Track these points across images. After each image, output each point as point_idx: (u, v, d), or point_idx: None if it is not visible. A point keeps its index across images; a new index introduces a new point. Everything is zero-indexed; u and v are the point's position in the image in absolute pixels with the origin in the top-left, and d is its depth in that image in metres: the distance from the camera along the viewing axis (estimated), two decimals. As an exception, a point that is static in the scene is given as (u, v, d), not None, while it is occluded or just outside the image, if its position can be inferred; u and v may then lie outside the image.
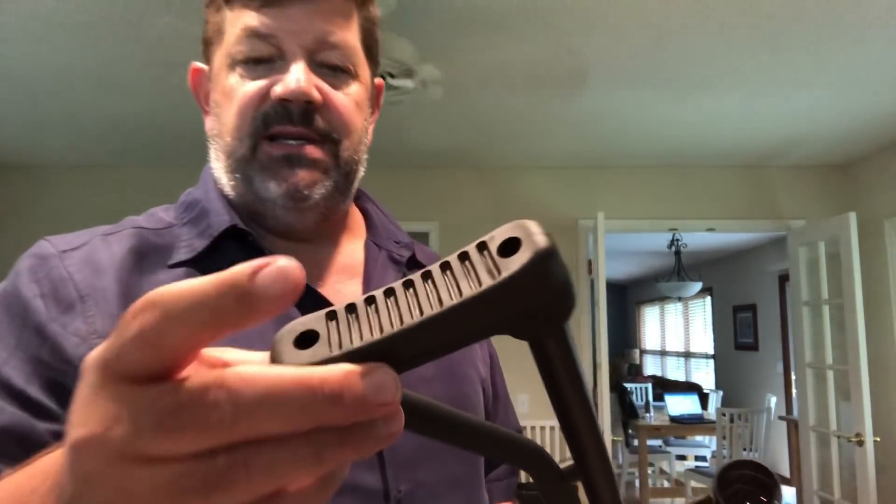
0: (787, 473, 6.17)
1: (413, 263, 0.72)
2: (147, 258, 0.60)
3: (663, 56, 2.61)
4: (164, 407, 0.22)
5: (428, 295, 0.25)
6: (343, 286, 0.67)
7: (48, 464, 0.30)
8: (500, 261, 0.25)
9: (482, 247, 0.26)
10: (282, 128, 0.60)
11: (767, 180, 4.17)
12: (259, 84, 0.61)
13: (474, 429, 0.31)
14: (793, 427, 4.41)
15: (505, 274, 0.24)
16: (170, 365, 0.23)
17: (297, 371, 0.23)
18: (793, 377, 5.81)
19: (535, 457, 0.34)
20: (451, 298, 0.25)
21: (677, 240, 6.11)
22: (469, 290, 0.25)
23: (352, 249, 0.71)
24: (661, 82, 2.89)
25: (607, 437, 3.36)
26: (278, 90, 0.60)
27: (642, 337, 10.99)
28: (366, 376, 0.23)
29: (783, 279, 6.29)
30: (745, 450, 4.83)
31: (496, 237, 0.26)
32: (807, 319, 4.02)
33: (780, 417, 5.72)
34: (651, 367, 10.52)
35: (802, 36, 2.42)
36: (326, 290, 0.64)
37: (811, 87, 2.92)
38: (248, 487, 0.23)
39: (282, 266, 0.23)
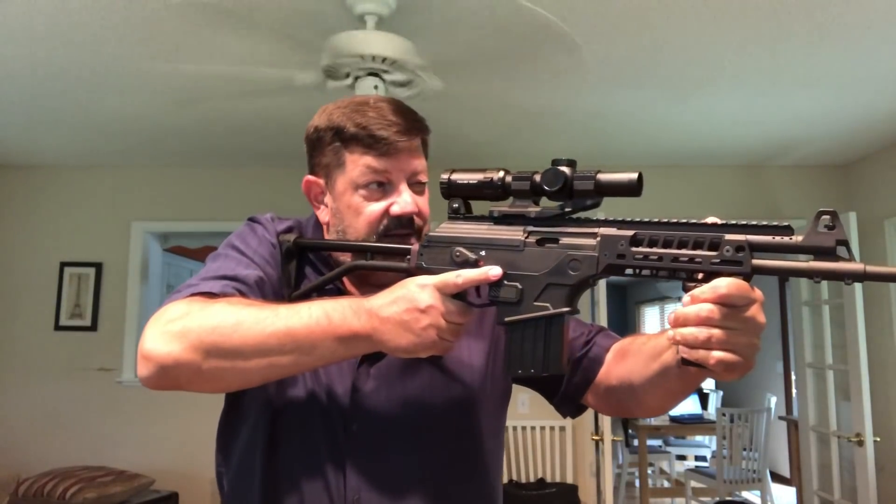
0: (787, 473, 6.17)
1: None
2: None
3: (663, 56, 2.61)
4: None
5: None
6: None
7: (352, 300, 0.81)
8: None
9: None
10: (397, 231, 0.94)
11: (767, 180, 4.17)
12: (381, 205, 0.94)
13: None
14: (793, 427, 4.40)
15: None
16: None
17: None
18: (793, 377, 5.80)
19: None
20: None
21: (677, 239, 6.08)
22: None
23: None
24: (661, 82, 2.89)
25: (607, 437, 3.35)
26: (396, 209, 0.93)
27: (642, 337, 10.95)
28: None
29: (783, 279, 6.28)
30: (745, 450, 4.83)
31: None
32: (807, 319, 4.02)
33: (780, 417, 5.72)
34: (651, 367, 10.48)
35: (802, 36, 2.42)
36: None
37: (811, 87, 2.92)
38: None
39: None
